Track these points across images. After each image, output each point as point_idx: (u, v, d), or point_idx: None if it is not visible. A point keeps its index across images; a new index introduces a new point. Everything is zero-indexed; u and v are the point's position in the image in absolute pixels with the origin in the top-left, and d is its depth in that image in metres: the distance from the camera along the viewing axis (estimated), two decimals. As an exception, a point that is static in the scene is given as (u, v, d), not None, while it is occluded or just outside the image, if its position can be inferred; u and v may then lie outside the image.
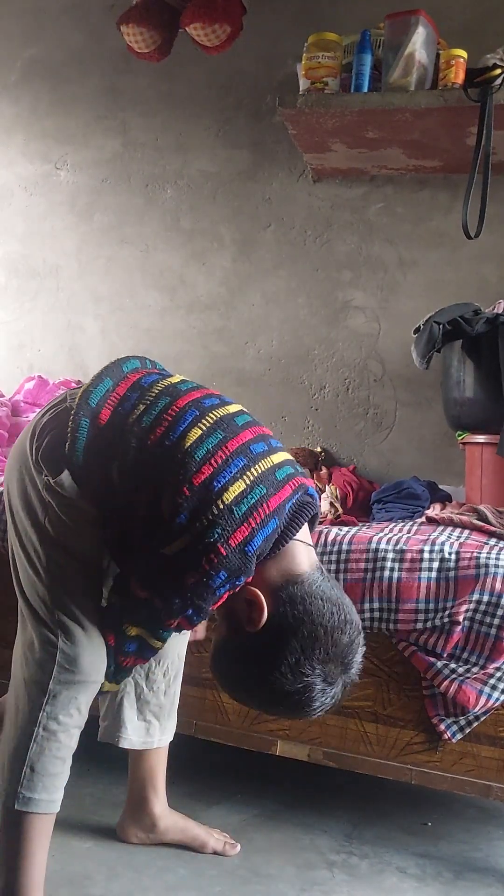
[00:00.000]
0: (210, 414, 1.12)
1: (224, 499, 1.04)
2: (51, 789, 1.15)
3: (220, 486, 1.05)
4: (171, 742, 1.48)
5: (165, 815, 1.48)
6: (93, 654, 1.18)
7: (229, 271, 2.58)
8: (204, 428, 1.10)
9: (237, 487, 1.06)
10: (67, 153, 2.78)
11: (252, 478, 1.08)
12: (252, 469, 1.09)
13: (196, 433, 1.09)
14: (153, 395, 1.15)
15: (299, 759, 1.53)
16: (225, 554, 1.03)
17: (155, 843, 1.48)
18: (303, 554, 1.14)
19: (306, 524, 1.16)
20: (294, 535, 1.12)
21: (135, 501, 1.10)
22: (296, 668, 1.07)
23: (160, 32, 2.30)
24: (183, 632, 1.34)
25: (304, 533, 1.16)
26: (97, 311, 2.73)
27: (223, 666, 1.16)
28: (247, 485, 1.07)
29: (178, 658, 1.47)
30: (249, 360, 2.56)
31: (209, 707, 1.58)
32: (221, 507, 1.04)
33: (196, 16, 2.18)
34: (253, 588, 1.09)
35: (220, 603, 1.10)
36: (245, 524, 1.04)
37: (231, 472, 1.07)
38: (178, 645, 1.45)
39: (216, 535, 1.03)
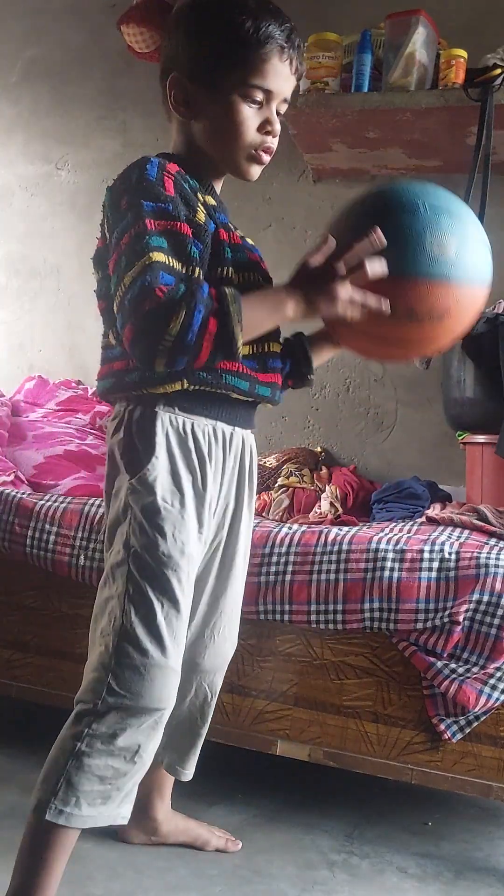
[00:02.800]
0: None
1: None
2: (83, 805, 1.12)
3: None
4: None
5: (169, 818, 1.48)
6: (156, 681, 1.14)
7: (229, 271, 2.58)
8: None
9: None
10: (68, 153, 2.78)
11: None
12: None
13: None
14: None
15: (299, 759, 1.53)
16: None
17: (157, 844, 1.48)
18: None
19: None
20: None
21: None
22: None
23: (160, 32, 2.29)
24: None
25: None
26: (98, 312, 2.72)
27: None
28: None
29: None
30: (250, 360, 2.56)
31: (210, 707, 1.58)
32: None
33: (196, 16, 2.18)
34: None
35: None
36: None
37: None
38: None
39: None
